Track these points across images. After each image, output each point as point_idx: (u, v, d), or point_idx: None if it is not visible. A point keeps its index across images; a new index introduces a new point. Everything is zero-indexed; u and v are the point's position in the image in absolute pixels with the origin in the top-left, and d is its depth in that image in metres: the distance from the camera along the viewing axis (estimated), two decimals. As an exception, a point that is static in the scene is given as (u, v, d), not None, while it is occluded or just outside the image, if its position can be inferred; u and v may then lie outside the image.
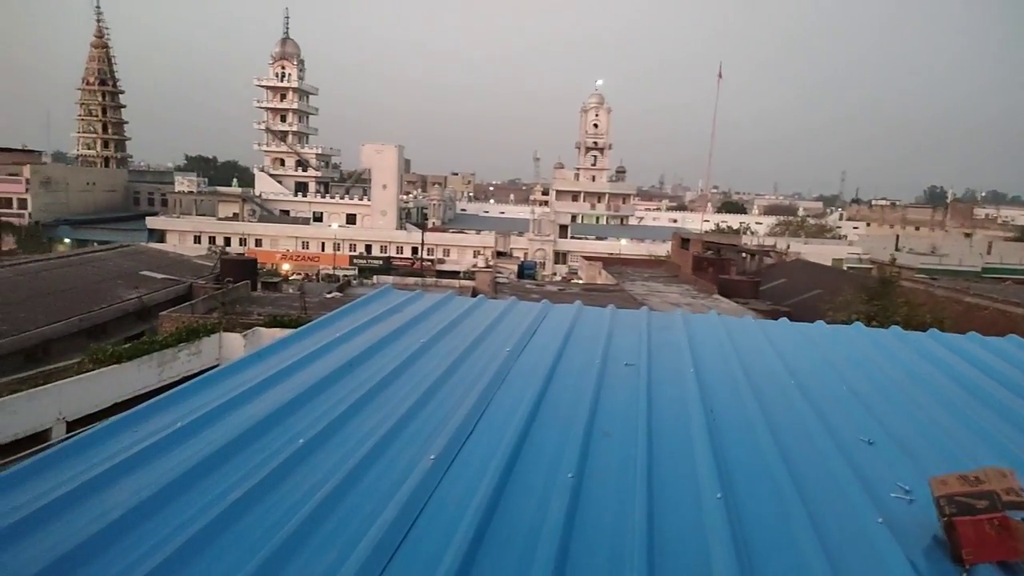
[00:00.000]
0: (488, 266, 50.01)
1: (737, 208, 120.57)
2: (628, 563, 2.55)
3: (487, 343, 5.28)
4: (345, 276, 55.29)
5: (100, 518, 2.68)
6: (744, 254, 50.48)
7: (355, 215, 78.66)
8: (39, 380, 14.36)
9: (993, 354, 5.76)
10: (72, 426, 13.64)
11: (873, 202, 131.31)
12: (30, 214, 71.08)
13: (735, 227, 79.17)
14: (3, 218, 60.22)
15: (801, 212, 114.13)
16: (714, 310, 7.20)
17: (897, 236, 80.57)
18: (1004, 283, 38.66)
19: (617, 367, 4.88)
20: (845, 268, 53.88)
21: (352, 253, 71.15)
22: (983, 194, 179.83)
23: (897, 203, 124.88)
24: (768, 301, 33.85)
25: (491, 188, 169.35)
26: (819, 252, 61.71)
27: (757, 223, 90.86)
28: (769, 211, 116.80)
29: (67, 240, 68.04)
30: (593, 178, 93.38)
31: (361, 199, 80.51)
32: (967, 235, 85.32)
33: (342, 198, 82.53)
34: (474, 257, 67.72)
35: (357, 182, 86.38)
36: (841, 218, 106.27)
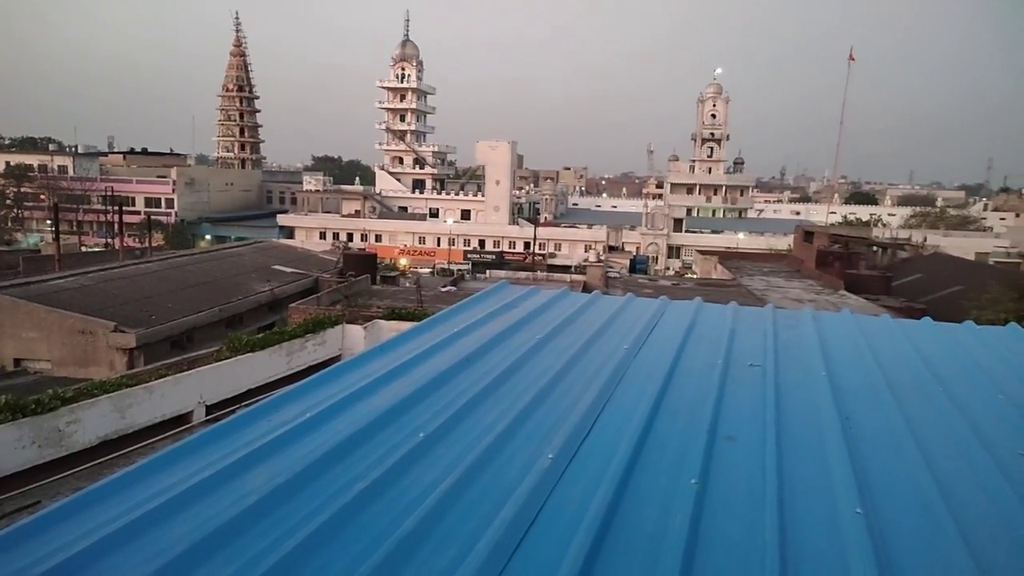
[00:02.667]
0: (599, 260, 49.60)
1: (867, 199, 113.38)
2: (758, 563, 2.40)
3: (604, 340, 5.19)
4: (458, 270, 56.48)
5: (238, 503, 2.81)
6: (875, 248, 47.55)
7: (469, 211, 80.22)
8: (183, 366, 15.52)
9: None
10: (210, 409, 14.66)
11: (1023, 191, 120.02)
12: (176, 212, 77.24)
13: (865, 219, 74.54)
14: (153, 216, 65.72)
15: (940, 202, 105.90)
16: (846, 308, 6.74)
17: (1053, 227, 73.24)
18: None
19: (741, 367, 4.66)
20: (991, 262, 49.48)
21: (466, 248, 72.63)
22: None
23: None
24: (901, 298, 31.71)
25: (603, 182, 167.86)
26: (960, 245, 57.03)
27: (890, 214, 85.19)
28: (903, 202, 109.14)
29: (208, 236, 73.35)
30: (709, 170, 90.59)
31: (475, 195, 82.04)
32: None
33: (457, 194, 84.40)
34: (585, 251, 67.40)
35: (471, 178, 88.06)
36: (986, 208, 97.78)
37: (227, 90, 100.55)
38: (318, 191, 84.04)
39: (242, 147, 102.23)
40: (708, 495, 2.97)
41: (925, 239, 53.89)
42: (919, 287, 36.62)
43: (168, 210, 77.48)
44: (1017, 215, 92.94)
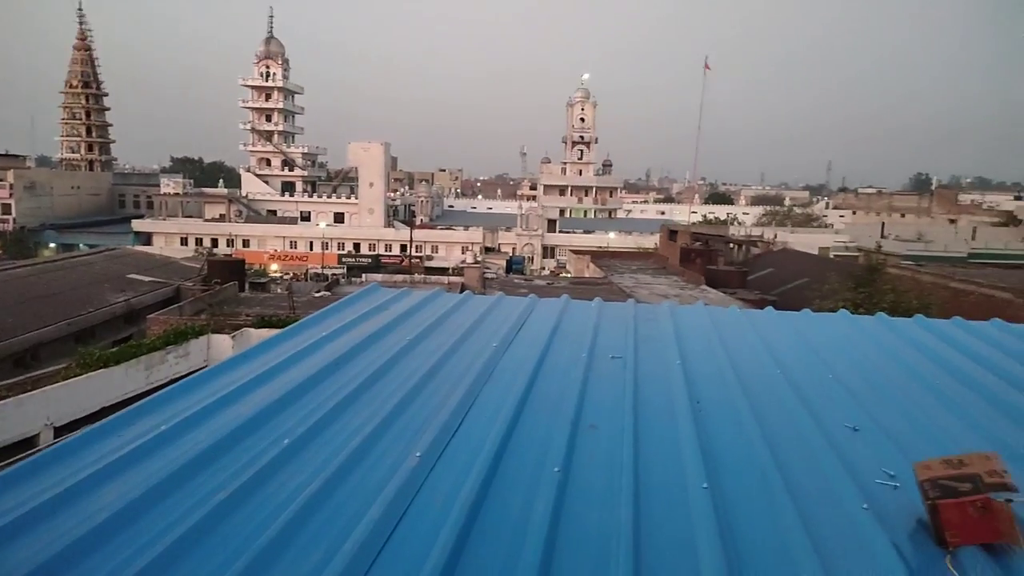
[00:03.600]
0: (476, 262, 49.99)
1: (724, 199, 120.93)
2: (614, 554, 2.56)
3: (474, 339, 5.28)
4: (333, 275, 55.14)
5: (87, 521, 2.66)
6: (731, 244, 50.75)
7: (343, 214, 78.45)
8: (27, 386, 14.24)
9: (978, 338, 5.81)
10: (60, 431, 13.54)
11: (859, 190, 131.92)
12: (15, 219, 70.41)
13: (722, 218, 79.40)
14: (-13, 223, 59.63)
15: (788, 202, 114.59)
16: (701, 301, 7.23)
17: (883, 223, 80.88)
18: (989, 268, 38.94)
19: (604, 360, 4.89)
20: (832, 256, 54.05)
21: (340, 252, 70.94)
22: (968, 180, 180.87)
23: (883, 191, 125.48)
24: (756, 291, 34.04)
25: (478, 184, 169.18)
26: (806, 241, 61.84)
27: (744, 213, 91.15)
28: (756, 201, 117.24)
29: (52, 245, 67.45)
30: (580, 172, 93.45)
31: (348, 198, 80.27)
32: (952, 221, 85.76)
33: (329, 197, 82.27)
34: (462, 253, 67.73)
35: (344, 181, 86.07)
36: (827, 207, 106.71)
37: (71, 87, 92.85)
38: (178, 194, 79.26)
39: (89, 148, 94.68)
40: (571, 481, 3.12)
41: (775, 236, 58.12)
42: (771, 280, 39.43)
43: (5, 216, 70.56)
44: (854, 212, 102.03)
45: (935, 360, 5.18)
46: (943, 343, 5.61)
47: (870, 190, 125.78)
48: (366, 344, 4.98)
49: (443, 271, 59.79)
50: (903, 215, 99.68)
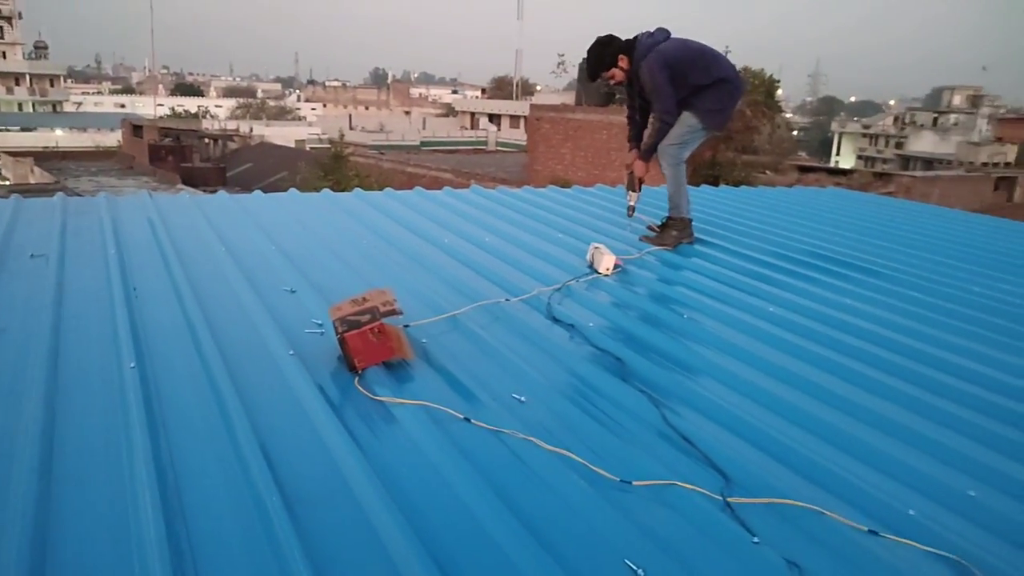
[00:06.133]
0: None
1: (193, 91, 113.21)
2: (20, 454, 2.34)
3: None
4: None
5: None
6: (207, 140, 48.41)
7: None
8: None
9: (402, 204, 6.78)
10: None
11: (327, 83, 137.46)
12: None
13: (193, 111, 74.53)
14: None
15: (261, 94, 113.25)
16: (145, 191, 6.78)
17: (350, 115, 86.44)
18: (437, 153, 45.37)
19: (20, 260, 4.27)
20: (308, 148, 55.96)
21: None
22: (416, 75, 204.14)
23: (347, 84, 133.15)
24: (237, 187, 33.47)
25: None
26: (282, 134, 62.46)
27: (217, 106, 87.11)
28: (228, 93, 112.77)
29: None
30: (3, 55, 76.04)
31: None
32: (407, 113, 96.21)
33: None
34: None
35: None
36: (299, 99, 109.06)
37: None
38: None
39: None
40: (-37, 394, 2.71)
41: (251, 129, 57.29)
42: (251, 175, 39.11)
43: None
44: (324, 105, 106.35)
45: (368, 225, 5.89)
46: (375, 210, 6.40)
47: (336, 83, 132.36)
48: None
49: None
50: (367, 107, 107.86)
